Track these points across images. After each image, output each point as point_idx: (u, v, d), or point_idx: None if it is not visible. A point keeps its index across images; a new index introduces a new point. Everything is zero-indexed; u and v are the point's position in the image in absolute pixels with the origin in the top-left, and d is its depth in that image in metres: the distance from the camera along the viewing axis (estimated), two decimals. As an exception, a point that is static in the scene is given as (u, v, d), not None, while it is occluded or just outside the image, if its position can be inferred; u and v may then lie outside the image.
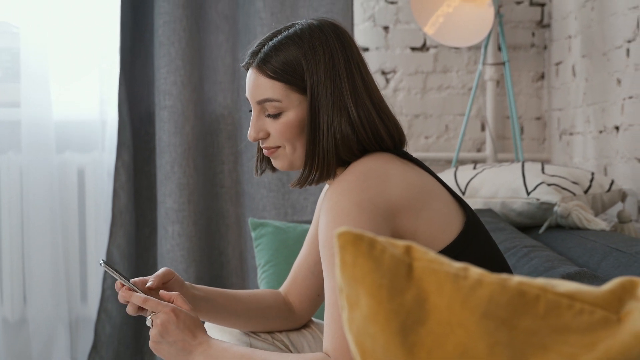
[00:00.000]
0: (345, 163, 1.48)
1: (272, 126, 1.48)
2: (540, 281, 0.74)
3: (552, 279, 0.76)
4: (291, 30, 1.48)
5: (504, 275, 0.73)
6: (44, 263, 2.98)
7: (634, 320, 0.71)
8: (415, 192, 1.39)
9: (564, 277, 1.68)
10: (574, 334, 0.72)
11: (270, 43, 1.48)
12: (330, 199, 1.36)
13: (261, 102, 1.48)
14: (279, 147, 1.50)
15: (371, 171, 1.39)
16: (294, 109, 1.46)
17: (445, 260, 0.73)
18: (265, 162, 1.60)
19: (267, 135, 1.50)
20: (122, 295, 1.47)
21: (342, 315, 0.74)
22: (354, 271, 0.72)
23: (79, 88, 3.11)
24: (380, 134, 1.47)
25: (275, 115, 1.48)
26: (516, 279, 0.73)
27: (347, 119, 1.45)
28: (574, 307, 0.73)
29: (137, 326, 3.05)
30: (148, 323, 1.45)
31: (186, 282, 1.60)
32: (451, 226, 1.42)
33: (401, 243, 0.74)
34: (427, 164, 3.25)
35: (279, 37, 1.48)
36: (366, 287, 0.71)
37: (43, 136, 2.98)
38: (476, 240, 1.44)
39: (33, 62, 2.96)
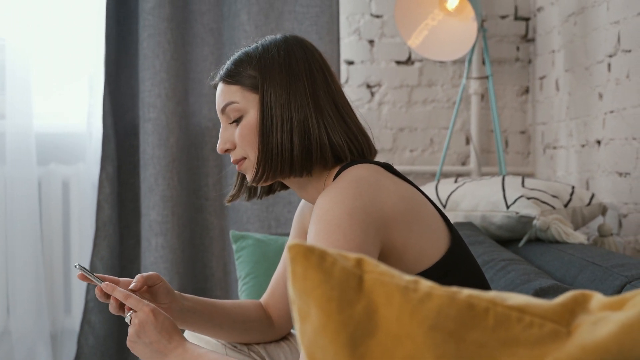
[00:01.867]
0: (309, 171, 1.46)
1: (236, 133, 1.48)
2: (491, 294, 0.74)
3: (503, 292, 0.76)
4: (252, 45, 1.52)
5: (454, 288, 0.74)
6: (27, 275, 2.97)
7: (582, 333, 0.72)
8: (407, 204, 1.36)
9: (538, 290, 1.68)
10: (523, 346, 0.72)
11: (232, 58, 1.51)
12: (321, 207, 1.31)
13: (224, 110, 1.49)
14: (245, 158, 1.49)
15: (363, 179, 1.34)
16: (253, 110, 1.46)
17: (395, 273, 0.74)
18: (243, 191, 1.59)
19: (234, 146, 1.50)
20: (104, 288, 1.45)
21: (295, 327, 0.75)
22: (305, 283, 0.72)
23: (64, 100, 3.11)
24: (343, 138, 1.45)
25: (237, 121, 1.48)
26: (466, 292, 0.73)
27: (305, 116, 1.43)
28: (523, 320, 0.73)
29: (120, 338, 3.04)
30: (127, 320, 1.43)
31: (176, 291, 1.56)
32: (439, 242, 1.40)
33: (353, 256, 0.75)
34: (412, 177, 3.29)
35: (240, 51, 1.52)
36: (316, 300, 0.72)
37: (27, 148, 2.97)
38: (463, 256, 1.43)
39: (18, 73, 2.96)
